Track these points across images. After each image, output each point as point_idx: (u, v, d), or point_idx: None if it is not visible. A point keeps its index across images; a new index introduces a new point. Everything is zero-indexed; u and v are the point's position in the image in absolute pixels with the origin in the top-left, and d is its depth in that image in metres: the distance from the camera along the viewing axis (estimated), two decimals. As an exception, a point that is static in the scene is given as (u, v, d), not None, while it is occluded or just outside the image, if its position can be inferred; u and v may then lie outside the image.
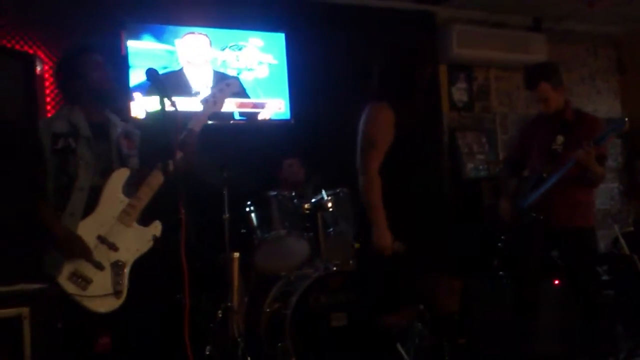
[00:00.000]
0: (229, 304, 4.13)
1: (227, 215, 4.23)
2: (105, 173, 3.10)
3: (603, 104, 7.24)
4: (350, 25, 5.73)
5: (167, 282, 3.22)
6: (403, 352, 4.00)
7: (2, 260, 2.29)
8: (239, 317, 4.22)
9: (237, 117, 5.22)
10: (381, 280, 3.42)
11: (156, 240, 3.09)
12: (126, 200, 3.06)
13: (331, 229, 4.49)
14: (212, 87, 3.27)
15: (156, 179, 3.08)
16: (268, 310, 4.23)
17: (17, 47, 4.55)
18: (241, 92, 5.22)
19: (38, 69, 4.47)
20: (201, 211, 4.01)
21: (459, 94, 6.50)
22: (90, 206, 3.03)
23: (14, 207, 2.38)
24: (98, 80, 3.18)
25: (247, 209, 4.59)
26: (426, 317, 3.71)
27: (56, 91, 4.42)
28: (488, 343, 4.52)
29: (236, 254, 4.32)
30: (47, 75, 4.57)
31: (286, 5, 5.49)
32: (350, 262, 4.59)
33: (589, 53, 7.26)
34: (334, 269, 4.27)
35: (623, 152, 7.22)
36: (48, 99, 4.54)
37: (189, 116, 3.23)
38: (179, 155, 3.01)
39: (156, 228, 3.12)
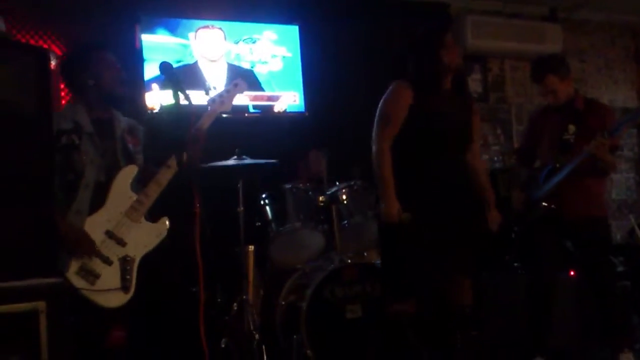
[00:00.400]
0: (244, 296, 4.14)
1: (242, 208, 4.24)
2: (111, 170, 3.12)
3: (620, 94, 7.17)
4: (364, 17, 5.72)
5: (182, 275, 3.23)
6: (417, 344, 4.00)
7: (18, 255, 2.31)
8: (254, 309, 4.23)
9: (251, 110, 5.22)
10: (392, 256, 3.44)
11: (168, 235, 3.10)
12: (135, 196, 3.09)
13: (346, 222, 4.49)
14: (225, 86, 3.31)
15: (165, 176, 3.10)
16: (283, 302, 4.24)
17: (32, 41, 4.57)
18: (255, 85, 5.23)
19: (52, 63, 4.48)
20: (216, 204, 4.02)
21: (474, 84, 6.46)
22: (95, 202, 3.05)
23: (29, 202, 2.40)
24: (110, 81, 3.20)
25: (262, 202, 4.59)
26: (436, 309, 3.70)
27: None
28: (502, 335, 4.51)
29: (251, 247, 4.33)
30: (61, 70, 4.59)
31: (299, -2, 5.49)
32: (365, 254, 4.59)
33: (605, 43, 7.19)
34: (349, 261, 4.26)
35: (639, 142, 7.17)
36: (62, 94, 4.56)
37: (202, 110, 3.25)
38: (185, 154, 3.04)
39: (164, 224, 3.15)
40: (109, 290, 2.96)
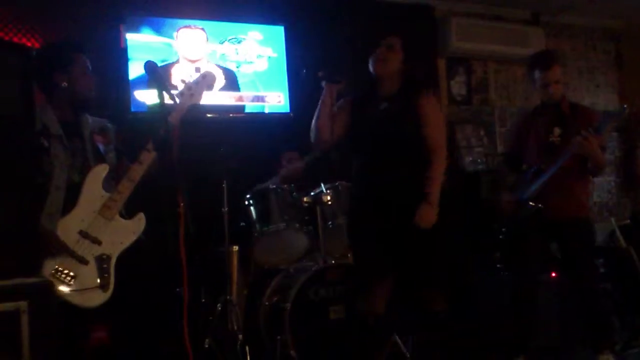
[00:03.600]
0: (228, 297, 4.13)
1: (226, 209, 4.23)
2: (83, 170, 3.10)
3: (601, 98, 7.25)
4: (349, 18, 5.72)
5: (166, 275, 3.22)
6: (401, 344, 4.01)
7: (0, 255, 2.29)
8: (238, 310, 4.22)
9: (236, 110, 5.21)
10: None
11: (151, 235, 3.09)
12: (107, 194, 3.07)
13: (330, 222, 4.49)
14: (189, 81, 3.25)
15: (137, 172, 3.07)
16: (267, 303, 4.24)
17: (15, 39, 4.53)
18: (234, 86, 5.21)
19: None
20: (200, 204, 4.01)
21: (458, 87, 6.50)
22: (69, 203, 3.03)
23: (11, 201, 2.38)
24: (85, 86, 3.18)
25: (246, 202, 4.58)
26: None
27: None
28: (485, 334, 4.53)
29: (235, 247, 4.32)
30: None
31: (285, -2, 5.49)
32: (349, 255, 4.60)
33: (587, 47, 7.26)
34: (333, 262, 4.28)
35: (620, 145, 7.24)
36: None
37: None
38: (153, 155, 3.03)
39: (140, 220, 3.14)
40: (86, 289, 2.94)
